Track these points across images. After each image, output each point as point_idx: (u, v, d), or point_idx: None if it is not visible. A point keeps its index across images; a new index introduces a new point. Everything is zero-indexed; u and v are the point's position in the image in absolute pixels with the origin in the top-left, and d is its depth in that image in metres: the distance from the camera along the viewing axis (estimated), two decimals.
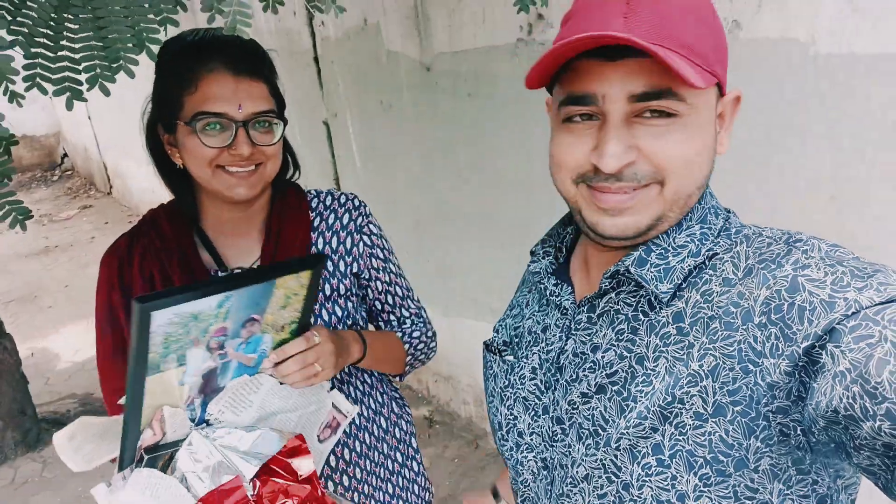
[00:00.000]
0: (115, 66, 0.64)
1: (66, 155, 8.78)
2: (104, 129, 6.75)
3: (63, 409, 3.23)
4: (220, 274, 1.06)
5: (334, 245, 1.12)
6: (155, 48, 0.68)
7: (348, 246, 1.13)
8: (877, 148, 1.28)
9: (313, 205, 1.14)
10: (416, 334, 1.22)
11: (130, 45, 0.64)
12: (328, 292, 1.10)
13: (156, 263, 1.05)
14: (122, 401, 0.83)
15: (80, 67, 0.66)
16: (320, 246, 1.11)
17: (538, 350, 0.78)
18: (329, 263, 1.11)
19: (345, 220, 1.13)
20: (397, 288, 1.21)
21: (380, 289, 1.18)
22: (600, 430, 0.67)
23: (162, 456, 0.87)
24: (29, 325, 4.32)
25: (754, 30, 1.39)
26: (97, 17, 0.64)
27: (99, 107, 6.10)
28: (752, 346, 0.59)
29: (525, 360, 0.79)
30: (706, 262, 0.67)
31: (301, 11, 2.88)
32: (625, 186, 0.63)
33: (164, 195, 1.09)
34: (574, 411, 0.71)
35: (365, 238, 1.14)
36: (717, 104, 0.66)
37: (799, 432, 0.58)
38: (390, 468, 1.24)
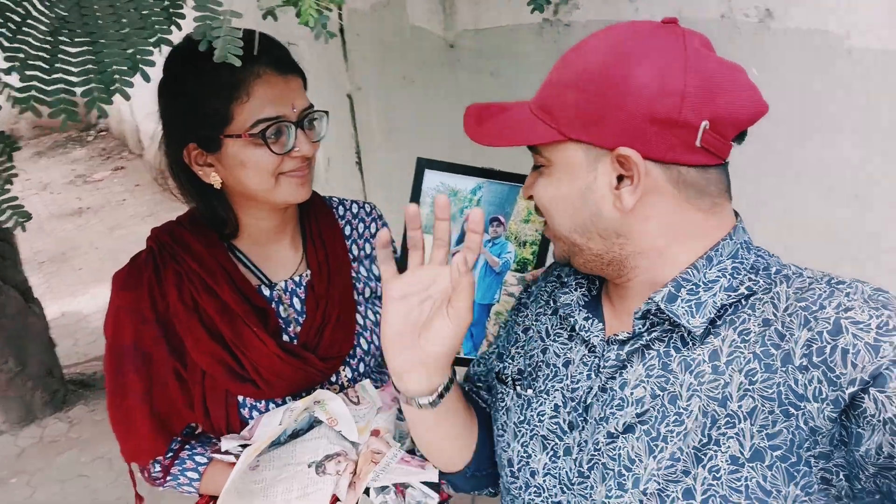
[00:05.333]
0: (111, 88, 0.64)
1: (100, 116, 8.91)
2: (138, 90, 6.81)
3: (89, 372, 3.33)
4: (262, 288, 1.02)
5: (367, 251, 1.14)
6: (149, 69, 0.67)
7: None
8: None
9: (340, 212, 1.15)
10: None
11: (126, 67, 0.64)
12: (367, 294, 1.12)
13: (198, 286, 0.96)
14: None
15: (77, 91, 0.66)
16: (355, 253, 1.13)
17: (561, 387, 0.74)
18: (362, 268, 1.13)
19: (372, 229, 1.17)
20: None
21: None
22: (625, 471, 0.65)
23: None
24: (60, 285, 4.45)
25: (786, 20, 1.33)
26: (93, 40, 0.63)
27: None
28: (793, 388, 0.57)
29: (545, 396, 0.76)
30: (743, 300, 0.65)
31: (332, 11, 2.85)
32: (539, 216, 0.75)
33: None
34: (598, 452, 0.68)
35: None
36: (602, 160, 0.66)
37: (842, 478, 0.56)
38: None
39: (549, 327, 0.81)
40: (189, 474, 0.99)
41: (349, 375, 1.07)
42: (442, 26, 2.26)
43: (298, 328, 1.02)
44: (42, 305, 3.03)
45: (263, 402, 0.99)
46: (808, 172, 1.38)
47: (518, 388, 0.80)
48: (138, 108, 7.01)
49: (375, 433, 0.94)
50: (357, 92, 2.94)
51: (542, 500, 0.73)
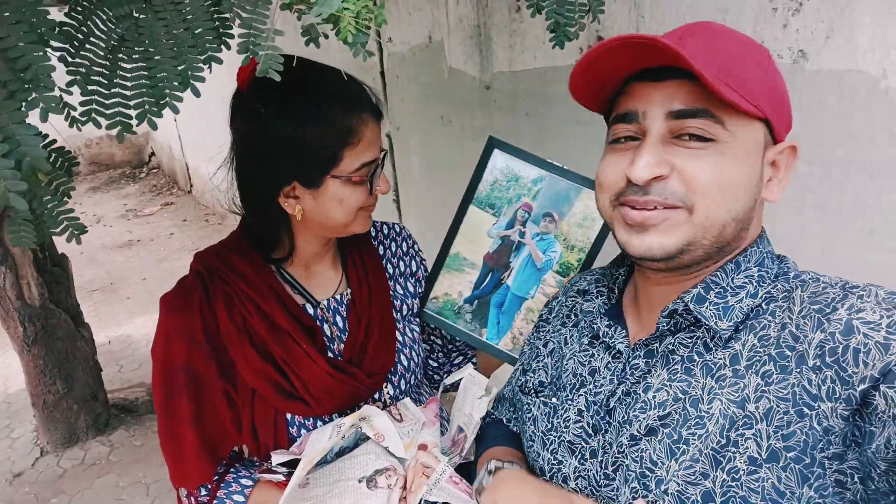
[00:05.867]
0: (161, 102, 0.69)
1: (153, 154, 9.31)
2: (187, 131, 7.12)
3: (132, 397, 3.42)
4: (307, 306, 1.05)
5: (402, 269, 1.18)
6: (199, 85, 0.72)
7: (413, 268, 1.20)
8: None
9: (373, 234, 1.19)
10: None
11: (176, 83, 0.69)
12: (404, 312, 1.15)
13: (248, 307, 0.98)
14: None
15: (131, 104, 0.71)
16: (391, 271, 1.16)
17: (584, 392, 0.76)
18: (398, 286, 1.16)
19: (404, 248, 1.21)
20: None
21: None
22: (648, 473, 0.66)
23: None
24: (108, 313, 4.61)
25: (821, 61, 1.34)
26: (147, 57, 0.69)
27: (183, 110, 6.44)
28: (807, 389, 0.58)
29: (570, 403, 0.77)
30: (764, 305, 0.66)
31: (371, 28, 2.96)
32: (651, 201, 0.64)
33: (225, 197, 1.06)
34: (621, 454, 0.70)
35: (418, 261, 1.21)
36: (768, 149, 0.67)
37: (856, 480, 0.56)
38: None
39: (569, 338, 0.83)
40: (235, 497, 0.98)
41: (391, 392, 1.10)
42: (478, 68, 2.33)
43: (342, 345, 1.06)
44: (91, 330, 3.14)
45: (311, 419, 1.01)
46: (848, 215, 1.37)
47: (542, 397, 0.81)
48: (189, 147, 7.31)
49: (423, 447, 0.95)
50: (396, 132, 3.02)
51: None
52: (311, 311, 1.05)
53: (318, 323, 1.04)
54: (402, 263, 1.18)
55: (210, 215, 6.71)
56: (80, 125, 0.76)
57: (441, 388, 1.13)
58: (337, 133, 0.92)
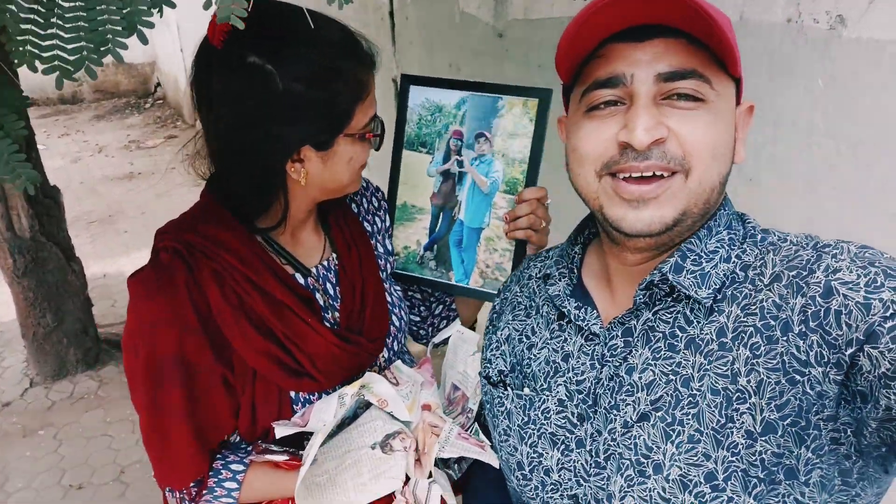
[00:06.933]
0: (102, 49, 0.61)
1: (158, 84, 9.12)
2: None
3: None
4: (297, 276, 0.97)
5: (379, 225, 1.11)
6: (147, 31, 0.63)
7: (387, 224, 1.13)
8: None
9: None
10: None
11: (120, 27, 0.60)
12: (389, 270, 1.11)
13: (242, 283, 0.89)
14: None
15: (68, 48, 0.63)
16: (369, 229, 1.10)
17: (563, 381, 0.72)
18: (378, 244, 1.10)
19: (375, 203, 1.13)
20: None
21: None
22: (643, 459, 0.64)
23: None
24: (105, 246, 4.57)
25: (861, 29, 1.22)
26: None
27: (189, 41, 6.26)
28: (796, 356, 0.58)
29: (548, 393, 0.74)
30: (739, 272, 0.65)
31: None
32: (651, 166, 0.61)
33: None
34: (613, 442, 0.67)
35: (387, 217, 1.14)
36: (735, 110, 0.66)
37: (850, 434, 0.57)
38: None
39: (535, 326, 0.79)
40: (227, 485, 0.91)
41: (385, 356, 1.05)
42: (492, 14, 2.19)
43: (336, 313, 1.00)
44: (83, 264, 3.10)
45: (317, 394, 0.95)
46: (873, 197, 1.27)
47: (511, 388, 0.78)
48: None
49: (426, 408, 0.95)
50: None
51: (559, 496, 0.72)
52: (301, 280, 0.98)
53: (312, 292, 0.97)
54: (377, 219, 1.11)
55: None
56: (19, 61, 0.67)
57: (430, 347, 1.10)
58: (350, 88, 0.86)
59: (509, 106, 0.97)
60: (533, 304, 0.82)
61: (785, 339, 0.59)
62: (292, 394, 0.94)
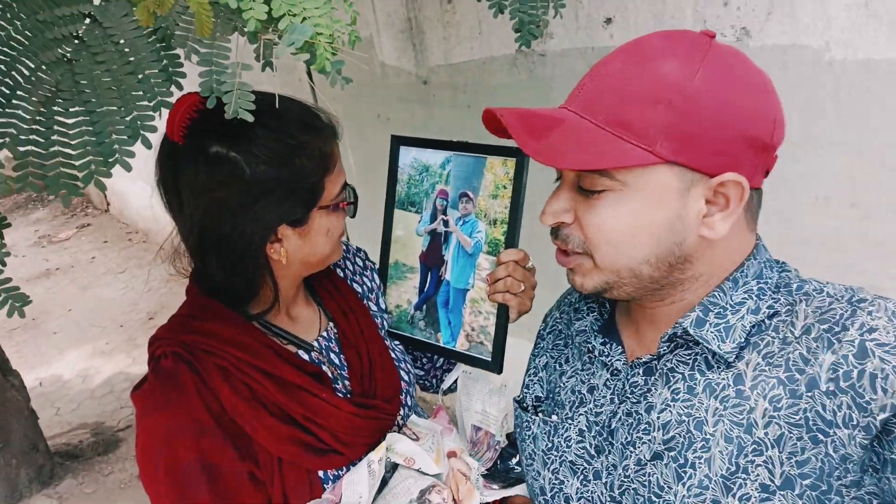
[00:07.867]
0: (111, 160, 0.60)
1: (101, 189, 8.72)
2: None
3: (76, 441, 3.20)
4: (300, 353, 0.96)
5: (368, 286, 1.12)
6: (150, 136, 0.63)
7: (377, 283, 1.13)
8: None
9: None
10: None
11: (126, 136, 0.60)
12: (386, 327, 1.11)
13: (251, 374, 0.87)
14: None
15: (76, 164, 0.62)
16: (359, 290, 1.10)
17: (585, 412, 0.74)
18: (370, 304, 1.10)
19: (360, 264, 1.14)
20: None
21: None
22: (655, 498, 0.65)
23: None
24: (35, 352, 4.28)
25: (763, 37, 1.35)
26: (89, 109, 0.60)
27: None
28: (821, 414, 0.56)
29: (570, 422, 0.75)
30: (766, 321, 0.64)
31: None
32: (559, 244, 0.68)
33: (162, 213, 0.93)
34: (627, 478, 0.68)
35: (373, 275, 1.15)
36: (696, 186, 0.61)
37: None
38: None
39: (570, 356, 0.81)
40: None
41: (401, 412, 1.05)
42: (413, 62, 2.26)
43: (346, 382, 0.99)
44: (21, 377, 2.91)
45: (345, 468, 0.94)
46: (803, 184, 1.40)
47: (541, 414, 0.80)
48: None
49: (452, 454, 0.95)
50: None
51: None
52: (306, 356, 0.97)
53: (319, 366, 0.97)
54: (365, 279, 1.12)
55: (132, 233, 6.35)
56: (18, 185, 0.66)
57: (441, 394, 1.11)
58: (315, 161, 0.87)
59: (490, 165, 0.96)
60: (569, 334, 0.83)
61: (810, 395, 0.57)
62: (320, 473, 0.92)
